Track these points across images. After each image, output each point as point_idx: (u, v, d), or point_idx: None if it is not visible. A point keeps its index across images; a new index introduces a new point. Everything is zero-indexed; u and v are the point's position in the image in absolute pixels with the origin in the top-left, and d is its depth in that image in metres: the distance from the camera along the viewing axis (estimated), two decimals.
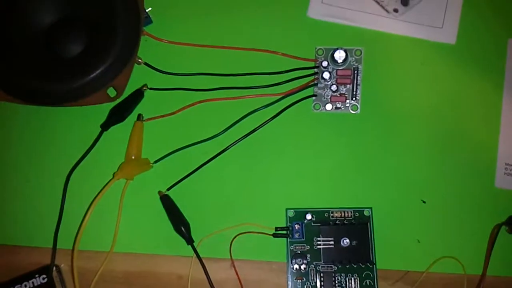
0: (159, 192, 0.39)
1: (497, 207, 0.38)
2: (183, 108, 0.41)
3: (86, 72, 0.38)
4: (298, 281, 0.37)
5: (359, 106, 0.40)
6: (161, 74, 0.41)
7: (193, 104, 0.41)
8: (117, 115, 0.40)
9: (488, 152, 0.39)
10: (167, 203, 0.39)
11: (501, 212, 0.38)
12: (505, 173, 0.39)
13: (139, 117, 0.40)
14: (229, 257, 0.38)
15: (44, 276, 0.36)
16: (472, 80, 0.40)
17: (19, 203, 0.40)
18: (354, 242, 0.37)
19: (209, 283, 0.37)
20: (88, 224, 0.37)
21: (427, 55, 0.41)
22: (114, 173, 0.38)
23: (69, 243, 0.38)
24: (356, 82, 0.40)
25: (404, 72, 0.41)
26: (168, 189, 0.39)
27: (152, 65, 0.41)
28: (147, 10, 0.41)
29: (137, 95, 0.41)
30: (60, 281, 0.37)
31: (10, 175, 0.40)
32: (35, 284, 0.36)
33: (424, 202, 0.39)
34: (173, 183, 0.39)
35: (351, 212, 0.38)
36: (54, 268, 0.37)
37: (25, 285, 0.36)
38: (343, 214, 0.38)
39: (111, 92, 0.39)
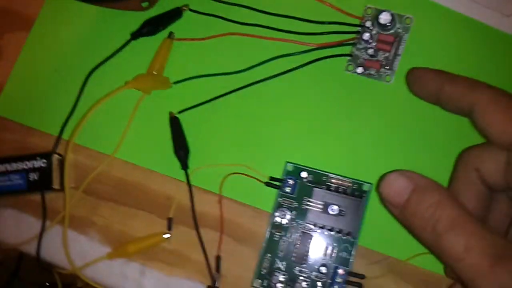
0: (170, 113, 0.39)
1: None
2: (214, 36, 0.40)
3: None
4: (277, 233, 0.37)
5: (393, 78, 0.38)
6: None
7: (224, 34, 0.40)
8: (149, 28, 0.40)
9: None
10: (175, 125, 0.39)
11: None
12: None
13: (170, 34, 0.40)
14: (218, 192, 0.38)
15: (45, 160, 0.39)
16: None
17: (43, 90, 0.42)
18: (343, 212, 0.36)
19: (192, 211, 0.38)
20: (99, 126, 0.40)
21: (483, 42, 0.37)
22: (126, 81, 0.39)
23: (78, 137, 0.40)
24: (397, 51, 0.38)
25: (451, 53, 0.37)
26: (179, 112, 0.40)
27: None
28: None
29: (175, 14, 0.41)
30: (59, 169, 0.39)
31: (42, 63, 0.42)
32: (35, 166, 0.38)
33: None
34: (186, 107, 0.39)
35: (350, 183, 0.37)
36: (56, 156, 0.39)
37: (26, 164, 0.38)
38: (341, 182, 0.37)
39: (144, 3, 0.39)
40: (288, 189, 0.37)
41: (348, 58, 0.39)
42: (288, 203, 0.37)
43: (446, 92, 0.32)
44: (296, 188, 0.37)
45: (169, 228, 0.38)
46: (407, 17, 0.37)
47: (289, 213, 0.37)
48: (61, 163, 0.40)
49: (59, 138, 0.39)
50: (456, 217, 0.26)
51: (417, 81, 0.35)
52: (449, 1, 0.37)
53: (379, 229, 0.36)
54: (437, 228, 0.26)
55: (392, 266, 0.36)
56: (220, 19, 0.40)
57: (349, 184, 0.37)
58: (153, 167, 0.40)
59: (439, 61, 0.37)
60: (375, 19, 0.37)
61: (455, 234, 0.25)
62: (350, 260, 0.36)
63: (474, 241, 0.25)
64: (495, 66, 0.37)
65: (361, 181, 0.37)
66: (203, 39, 0.40)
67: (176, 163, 0.39)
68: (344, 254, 0.36)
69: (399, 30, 0.38)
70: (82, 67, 0.41)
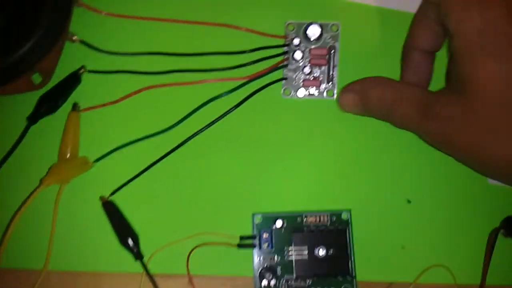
0: (101, 197, 0.33)
1: (491, 206, 0.34)
2: (128, 95, 0.34)
3: (4, 53, 0.31)
4: None
5: (335, 91, 0.35)
6: (101, 54, 0.34)
7: (140, 91, 0.34)
8: (47, 105, 0.33)
9: None
10: (111, 210, 0.33)
11: (496, 211, 0.33)
12: None
13: (75, 106, 0.34)
14: (186, 273, 0.32)
15: None
16: None
17: None
18: (331, 251, 0.32)
19: None
20: (16, 238, 0.31)
21: None
22: (41, 178, 0.32)
23: None
24: (333, 62, 0.35)
25: (387, 50, 0.35)
26: (111, 194, 0.33)
27: (89, 42, 0.34)
28: None
29: (72, 80, 0.34)
30: None
31: None
32: None
33: (410, 202, 0.34)
34: (118, 186, 0.33)
35: (327, 216, 0.33)
36: None
37: None
38: (318, 219, 0.33)
39: (36, 78, 0.32)
40: (265, 245, 0.32)
41: (283, 82, 0.35)
42: (269, 261, 0.32)
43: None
44: (273, 240, 0.32)
45: None
46: (333, 24, 0.34)
47: (274, 271, 0.32)
48: None
49: None
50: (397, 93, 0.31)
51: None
52: None
53: (374, 256, 0.33)
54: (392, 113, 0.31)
55: None
56: (129, 74, 0.34)
57: (327, 218, 0.33)
58: (99, 267, 0.33)
59: (377, 60, 0.35)
60: (301, 34, 0.34)
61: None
62: None
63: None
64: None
65: (338, 210, 0.33)
66: (115, 102, 0.34)
67: (127, 255, 0.32)
68: None
69: (329, 40, 0.35)
70: None
